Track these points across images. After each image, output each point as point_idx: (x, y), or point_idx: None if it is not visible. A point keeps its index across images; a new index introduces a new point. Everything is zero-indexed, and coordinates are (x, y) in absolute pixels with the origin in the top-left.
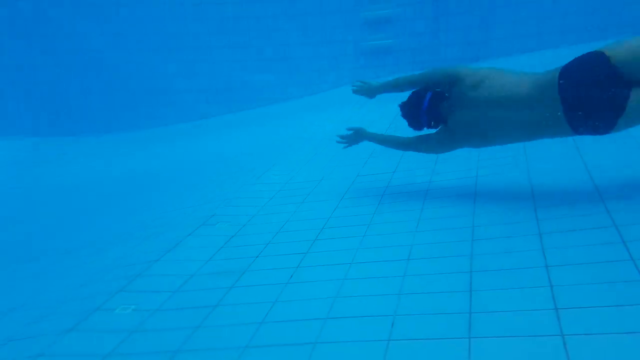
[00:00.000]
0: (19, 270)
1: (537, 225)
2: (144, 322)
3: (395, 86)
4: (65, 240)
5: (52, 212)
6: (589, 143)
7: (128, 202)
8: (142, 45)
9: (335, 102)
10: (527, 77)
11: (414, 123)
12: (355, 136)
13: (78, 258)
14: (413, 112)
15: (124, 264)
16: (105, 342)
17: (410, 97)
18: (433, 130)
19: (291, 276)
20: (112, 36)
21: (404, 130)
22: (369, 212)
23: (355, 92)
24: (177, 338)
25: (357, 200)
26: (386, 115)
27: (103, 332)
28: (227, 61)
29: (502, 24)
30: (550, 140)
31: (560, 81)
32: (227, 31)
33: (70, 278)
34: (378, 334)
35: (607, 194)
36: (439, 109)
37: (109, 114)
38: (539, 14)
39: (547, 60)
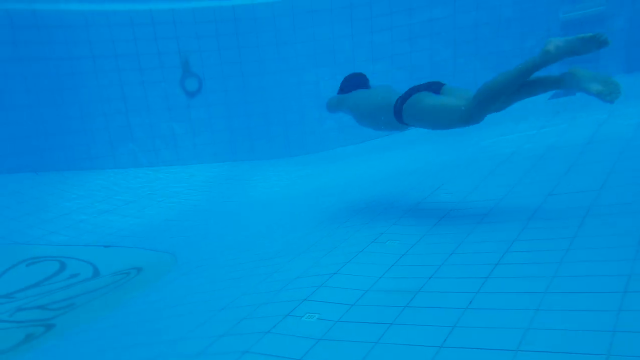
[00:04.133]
0: (227, 273)
1: None
2: (327, 332)
3: None
4: (261, 249)
5: (248, 223)
6: None
7: (305, 217)
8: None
9: (531, 113)
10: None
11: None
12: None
13: (272, 266)
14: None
15: (308, 274)
16: (297, 347)
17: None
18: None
19: (470, 301)
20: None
21: None
22: (567, 235)
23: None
24: (358, 351)
25: (550, 222)
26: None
27: (294, 337)
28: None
29: None
30: None
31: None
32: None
33: (266, 284)
34: None
35: None
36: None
37: (285, 141)
38: None
39: None
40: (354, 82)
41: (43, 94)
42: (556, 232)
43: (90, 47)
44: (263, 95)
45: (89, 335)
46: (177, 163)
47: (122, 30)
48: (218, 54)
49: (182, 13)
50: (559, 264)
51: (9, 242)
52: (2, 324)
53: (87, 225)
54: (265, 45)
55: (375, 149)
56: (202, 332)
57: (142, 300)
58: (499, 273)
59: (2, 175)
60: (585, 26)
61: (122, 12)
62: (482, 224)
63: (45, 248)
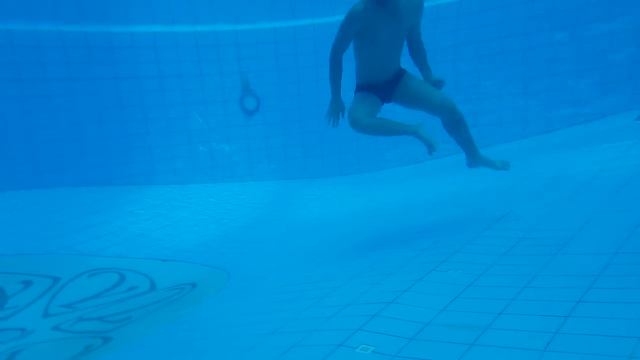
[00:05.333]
0: (277, 295)
1: None
2: None
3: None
4: (311, 270)
5: (298, 243)
6: None
7: (357, 239)
8: None
9: (615, 133)
10: None
11: None
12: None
13: (322, 289)
14: None
15: (362, 301)
16: None
17: None
18: None
19: (548, 343)
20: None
21: None
22: None
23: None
24: None
25: None
26: None
27: None
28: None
29: None
30: None
31: None
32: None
33: (316, 309)
34: None
35: None
36: None
37: (338, 160)
38: None
39: None
40: None
41: (109, 112)
42: None
43: (158, 67)
44: (319, 113)
45: (142, 352)
46: (233, 180)
47: (187, 52)
48: (277, 74)
49: (244, 34)
50: None
51: (74, 252)
52: (64, 333)
53: (147, 239)
54: (324, 64)
55: (433, 170)
56: (250, 357)
57: (194, 318)
58: (581, 312)
59: (69, 189)
60: None
61: (188, 34)
62: (559, 255)
63: (106, 260)
